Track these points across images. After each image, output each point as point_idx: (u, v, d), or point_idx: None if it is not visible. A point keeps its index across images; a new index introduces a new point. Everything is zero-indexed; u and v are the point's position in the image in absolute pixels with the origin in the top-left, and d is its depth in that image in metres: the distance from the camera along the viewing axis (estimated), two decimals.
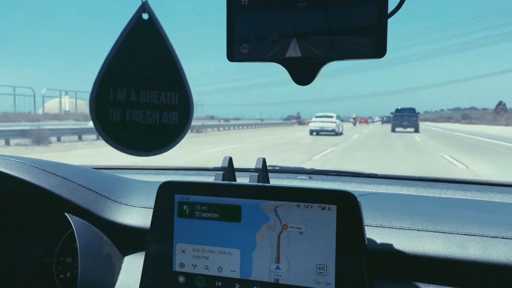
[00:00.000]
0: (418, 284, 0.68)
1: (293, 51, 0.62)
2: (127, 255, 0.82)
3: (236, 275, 0.70)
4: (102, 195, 0.84)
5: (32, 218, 0.91)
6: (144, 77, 0.49)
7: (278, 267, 0.68)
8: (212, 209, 0.72)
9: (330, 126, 24.01)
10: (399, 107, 27.29)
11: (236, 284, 0.70)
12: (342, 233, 0.65)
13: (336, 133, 23.71)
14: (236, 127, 31.20)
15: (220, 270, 0.71)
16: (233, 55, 0.63)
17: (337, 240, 0.65)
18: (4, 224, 0.93)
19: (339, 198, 0.66)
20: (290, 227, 0.68)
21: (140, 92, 0.49)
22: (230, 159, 0.82)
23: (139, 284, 0.74)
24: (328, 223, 0.66)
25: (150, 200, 0.85)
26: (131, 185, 0.94)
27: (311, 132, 24.35)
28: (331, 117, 24.78)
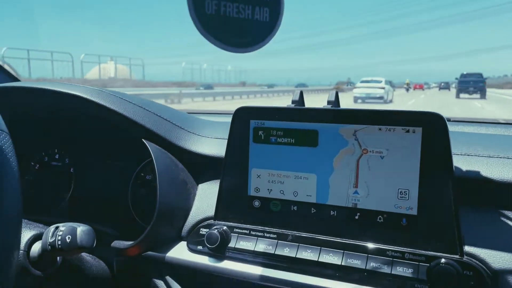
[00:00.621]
0: (506, 212, 0.67)
1: None
2: (201, 183, 0.86)
3: (312, 199, 0.72)
4: (176, 125, 0.88)
5: (110, 148, 0.98)
6: None
7: (356, 192, 0.69)
8: (288, 134, 0.73)
9: (378, 92, 20.72)
10: (465, 72, 25.28)
11: (312, 209, 0.72)
12: (427, 157, 0.65)
13: (384, 100, 21.39)
14: (219, 97, 23.35)
15: (295, 195, 0.73)
16: None
17: (422, 164, 0.65)
18: (84, 153, 1.01)
19: (425, 119, 0.65)
20: (370, 152, 0.68)
21: None
22: (301, 93, 0.83)
23: (215, 209, 0.78)
24: (412, 146, 0.66)
25: (223, 133, 0.88)
26: (205, 122, 0.98)
27: (356, 99, 21.12)
28: (380, 82, 21.66)
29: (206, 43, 0.50)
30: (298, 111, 0.73)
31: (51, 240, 0.63)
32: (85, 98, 0.82)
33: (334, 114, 0.70)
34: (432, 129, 0.64)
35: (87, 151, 1.00)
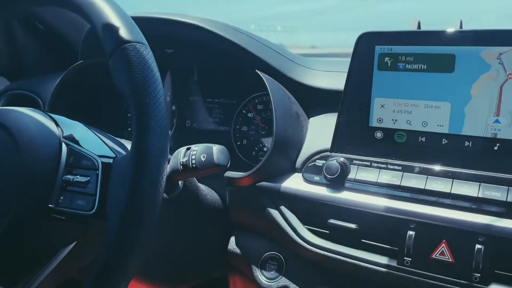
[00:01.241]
0: None
1: None
2: (312, 116, 0.86)
3: (444, 130, 0.70)
4: (288, 58, 0.88)
5: (211, 86, 1.00)
6: None
7: (497, 121, 0.66)
8: (419, 60, 0.71)
9: None
10: None
11: (443, 140, 0.70)
12: None
13: None
14: None
15: (424, 125, 0.71)
16: None
17: None
18: (185, 91, 1.03)
19: None
20: None
21: None
22: (419, 23, 0.78)
23: (332, 141, 0.78)
24: None
25: (334, 67, 0.87)
26: (313, 58, 0.97)
27: None
28: None
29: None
30: (433, 34, 0.70)
31: (184, 160, 0.65)
32: (202, 28, 0.83)
33: (475, 36, 0.67)
34: None
35: (188, 89, 1.03)
